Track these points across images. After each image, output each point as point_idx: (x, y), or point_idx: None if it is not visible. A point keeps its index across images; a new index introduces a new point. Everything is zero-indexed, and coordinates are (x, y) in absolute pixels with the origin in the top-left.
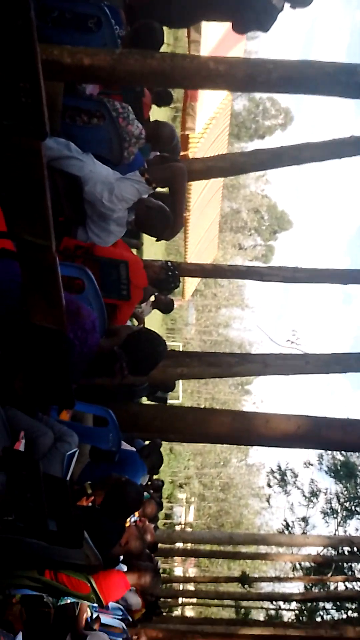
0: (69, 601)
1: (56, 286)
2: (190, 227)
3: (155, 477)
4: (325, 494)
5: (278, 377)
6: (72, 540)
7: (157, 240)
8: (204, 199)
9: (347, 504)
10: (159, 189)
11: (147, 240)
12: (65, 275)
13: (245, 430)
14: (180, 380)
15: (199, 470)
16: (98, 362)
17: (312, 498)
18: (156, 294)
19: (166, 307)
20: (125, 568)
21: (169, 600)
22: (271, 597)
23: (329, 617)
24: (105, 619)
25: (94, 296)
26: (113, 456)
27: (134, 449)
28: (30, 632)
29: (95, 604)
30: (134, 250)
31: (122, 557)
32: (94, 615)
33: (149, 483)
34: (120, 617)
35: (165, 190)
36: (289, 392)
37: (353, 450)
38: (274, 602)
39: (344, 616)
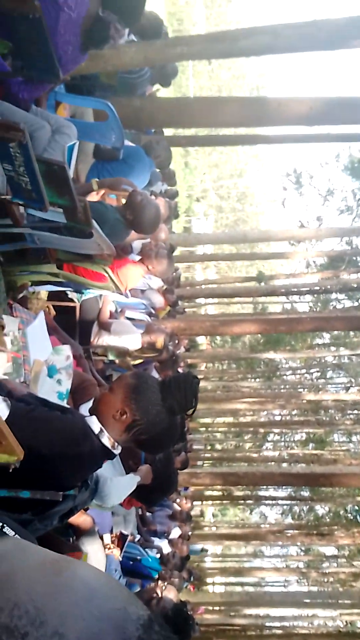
0: (91, 295)
1: None
2: None
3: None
4: (342, 192)
5: (289, 60)
6: (81, 231)
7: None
8: None
9: None
10: None
11: None
12: None
13: (256, 115)
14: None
15: (215, 183)
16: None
17: (327, 197)
18: None
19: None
20: (138, 258)
21: (192, 303)
22: (286, 292)
23: (341, 306)
24: (130, 313)
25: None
26: (117, 153)
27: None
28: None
29: (117, 298)
30: None
31: (136, 248)
32: (119, 310)
33: (165, 192)
34: (143, 311)
35: None
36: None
37: None
38: (289, 297)
39: (356, 304)
